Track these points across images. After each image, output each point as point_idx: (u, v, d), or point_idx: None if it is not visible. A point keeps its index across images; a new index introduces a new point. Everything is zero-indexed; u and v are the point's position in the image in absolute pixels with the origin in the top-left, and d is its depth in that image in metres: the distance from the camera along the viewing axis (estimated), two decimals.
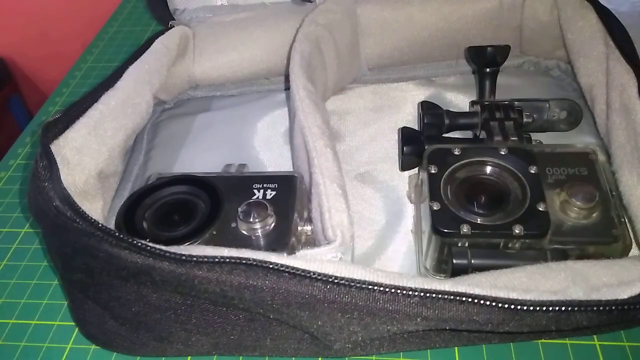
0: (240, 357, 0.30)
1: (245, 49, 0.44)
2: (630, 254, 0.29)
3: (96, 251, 0.25)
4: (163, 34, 0.42)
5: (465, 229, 0.28)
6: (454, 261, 0.28)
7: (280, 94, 0.45)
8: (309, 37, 0.39)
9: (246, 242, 0.29)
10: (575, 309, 0.23)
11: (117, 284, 0.27)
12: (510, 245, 0.28)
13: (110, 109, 0.34)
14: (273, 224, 0.30)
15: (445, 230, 0.28)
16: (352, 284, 0.23)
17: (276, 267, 0.24)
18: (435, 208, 0.29)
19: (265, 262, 0.24)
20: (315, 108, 0.34)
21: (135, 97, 0.36)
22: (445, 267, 0.29)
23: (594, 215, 0.29)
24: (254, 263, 0.24)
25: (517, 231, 0.28)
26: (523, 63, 0.45)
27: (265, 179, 0.33)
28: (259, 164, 0.39)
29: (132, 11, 0.64)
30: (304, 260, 0.24)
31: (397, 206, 0.36)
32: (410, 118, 0.41)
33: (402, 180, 0.37)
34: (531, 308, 0.23)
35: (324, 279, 0.24)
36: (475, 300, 0.23)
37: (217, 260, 0.24)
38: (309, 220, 0.31)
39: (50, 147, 0.29)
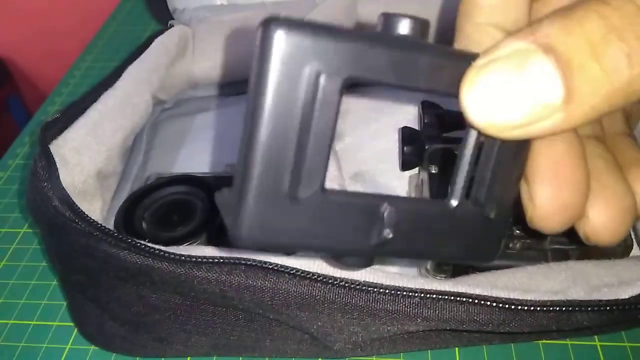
0: (240, 358, 0.30)
1: (244, 49, 0.44)
2: (631, 254, 0.29)
3: (95, 251, 0.25)
4: (162, 33, 0.42)
5: None
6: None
7: None
8: None
9: None
10: (576, 308, 0.23)
11: (116, 285, 0.26)
12: (510, 245, 0.28)
13: (109, 108, 0.33)
14: None
15: None
16: (352, 284, 0.23)
17: (276, 268, 0.24)
18: None
19: (265, 262, 0.24)
20: None
21: (135, 97, 0.36)
22: (446, 267, 0.29)
23: None
24: (254, 263, 0.24)
25: (517, 231, 0.28)
26: None
27: None
28: None
29: (131, 11, 0.64)
30: (303, 260, 0.24)
31: None
32: (410, 118, 0.41)
33: (403, 180, 0.37)
34: (532, 308, 0.23)
35: (324, 279, 0.23)
36: (476, 301, 0.23)
37: (216, 260, 0.24)
38: None
39: (49, 147, 0.29)
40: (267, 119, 0.15)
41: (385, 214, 0.17)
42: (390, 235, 0.17)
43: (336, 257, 0.19)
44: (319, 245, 0.17)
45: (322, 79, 0.15)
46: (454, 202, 0.18)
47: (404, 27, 0.16)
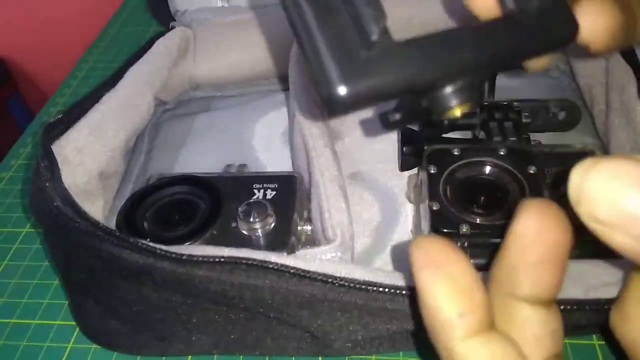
0: (241, 357, 0.30)
1: (245, 50, 0.44)
2: None
3: (97, 251, 0.26)
4: (164, 35, 0.42)
5: (464, 229, 0.28)
6: None
7: (280, 94, 0.45)
8: None
9: (246, 242, 0.29)
10: (575, 307, 0.23)
11: (118, 284, 0.27)
12: None
13: (111, 109, 0.34)
14: (273, 224, 0.30)
15: (445, 230, 0.28)
16: (352, 283, 0.24)
17: (276, 267, 0.24)
18: (434, 208, 0.29)
19: (266, 261, 0.24)
20: (315, 108, 0.34)
21: (136, 97, 0.36)
22: None
23: None
24: (254, 263, 0.24)
25: None
26: None
27: (265, 179, 0.33)
28: (259, 164, 0.39)
29: (133, 12, 0.64)
30: (303, 260, 0.24)
31: (396, 206, 0.36)
32: None
33: (402, 180, 0.37)
34: None
35: (324, 278, 0.24)
36: None
37: (217, 260, 0.24)
38: (309, 220, 0.31)
39: (51, 148, 0.29)
40: None
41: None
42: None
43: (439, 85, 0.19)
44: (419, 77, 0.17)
45: None
46: (510, 4, 0.18)
47: None
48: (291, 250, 0.29)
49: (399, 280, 0.24)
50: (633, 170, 0.14)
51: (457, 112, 0.19)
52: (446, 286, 0.16)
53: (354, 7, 0.16)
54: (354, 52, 0.16)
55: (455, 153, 0.32)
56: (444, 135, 0.38)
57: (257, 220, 0.29)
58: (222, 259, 0.24)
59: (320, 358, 0.29)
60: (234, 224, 0.30)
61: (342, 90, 0.16)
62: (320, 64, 0.16)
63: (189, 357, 0.30)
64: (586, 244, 0.28)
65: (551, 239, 0.16)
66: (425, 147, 0.34)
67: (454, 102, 0.19)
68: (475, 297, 0.16)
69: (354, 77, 0.16)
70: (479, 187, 0.31)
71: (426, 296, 0.16)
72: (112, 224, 0.31)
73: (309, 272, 0.24)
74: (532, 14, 0.18)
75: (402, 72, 0.16)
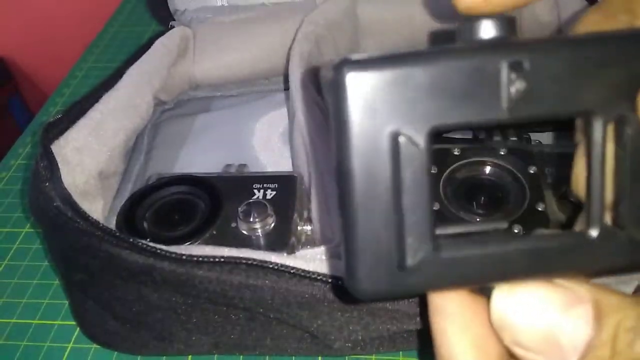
0: (241, 357, 0.30)
1: (245, 49, 0.44)
2: None
3: (97, 251, 0.26)
4: (163, 34, 0.42)
5: None
6: None
7: (280, 94, 0.45)
8: (308, 37, 0.39)
9: (246, 242, 0.29)
10: None
11: (118, 284, 0.27)
12: None
13: (110, 109, 0.34)
14: (273, 224, 0.30)
15: None
16: None
17: (276, 267, 0.24)
18: (434, 208, 0.29)
19: (266, 261, 0.24)
20: (315, 108, 0.34)
21: (136, 97, 0.36)
22: None
23: None
24: (254, 263, 0.24)
25: (516, 231, 0.28)
26: None
27: (265, 179, 0.33)
28: (259, 164, 0.39)
29: (133, 12, 0.64)
30: (303, 260, 0.24)
31: None
32: None
33: None
34: None
35: (324, 278, 0.24)
36: None
37: (217, 260, 0.24)
38: (309, 220, 0.31)
39: (50, 148, 0.29)
40: (356, 189, 0.15)
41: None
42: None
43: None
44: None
45: (402, 140, 0.15)
46: (594, 232, 0.15)
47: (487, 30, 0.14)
48: (291, 250, 0.29)
49: None
50: (550, 297, 0.14)
51: None
52: (460, 336, 0.16)
53: (402, 224, 0.15)
54: (387, 261, 0.15)
55: (456, 153, 0.32)
56: (444, 135, 0.38)
57: (257, 220, 0.29)
58: (222, 259, 0.24)
59: (320, 358, 0.29)
60: (233, 224, 0.30)
61: (364, 287, 0.15)
62: (351, 256, 0.15)
63: (189, 357, 0.30)
64: None
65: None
66: None
67: None
68: (489, 349, 0.15)
69: (380, 282, 0.15)
70: (479, 187, 0.31)
71: (439, 342, 0.16)
72: (111, 224, 0.31)
73: (308, 272, 0.24)
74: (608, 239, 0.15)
75: (432, 286, 0.15)
